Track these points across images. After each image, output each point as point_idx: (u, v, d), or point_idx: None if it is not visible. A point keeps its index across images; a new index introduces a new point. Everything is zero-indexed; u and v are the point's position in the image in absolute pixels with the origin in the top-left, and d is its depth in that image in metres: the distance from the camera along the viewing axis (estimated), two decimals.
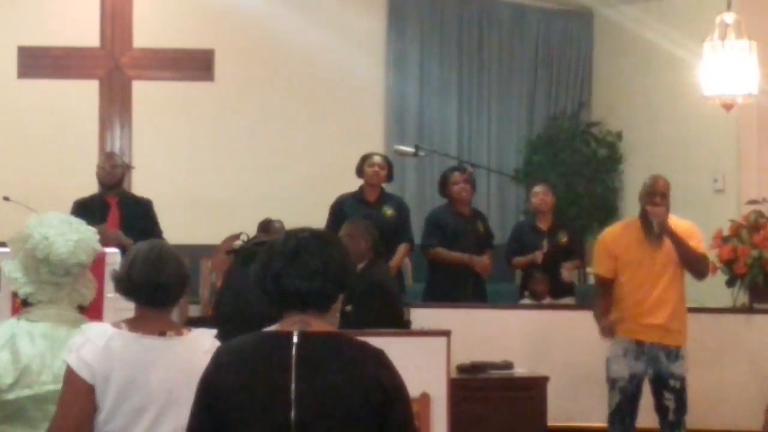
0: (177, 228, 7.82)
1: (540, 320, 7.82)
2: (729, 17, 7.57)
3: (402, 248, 7.99)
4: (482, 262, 8.01)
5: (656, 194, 6.38)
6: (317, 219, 6.88)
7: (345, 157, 10.19)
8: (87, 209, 7.36)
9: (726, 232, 8.06)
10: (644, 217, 6.40)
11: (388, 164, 8.13)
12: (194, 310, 7.92)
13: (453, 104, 10.91)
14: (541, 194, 8.45)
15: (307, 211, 9.12)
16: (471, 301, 7.86)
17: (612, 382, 6.35)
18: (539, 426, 6.91)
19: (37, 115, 9.73)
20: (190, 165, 10.11)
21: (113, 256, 4.37)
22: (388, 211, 8.02)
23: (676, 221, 6.44)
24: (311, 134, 10.38)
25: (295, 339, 2.75)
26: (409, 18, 10.81)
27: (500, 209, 10.88)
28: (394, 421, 2.75)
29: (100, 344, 3.27)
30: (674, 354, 6.32)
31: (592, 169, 10.84)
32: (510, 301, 8.57)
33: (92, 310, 3.73)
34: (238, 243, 6.32)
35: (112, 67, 9.19)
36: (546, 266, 8.20)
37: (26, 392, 3.39)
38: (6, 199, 7.73)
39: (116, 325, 3.34)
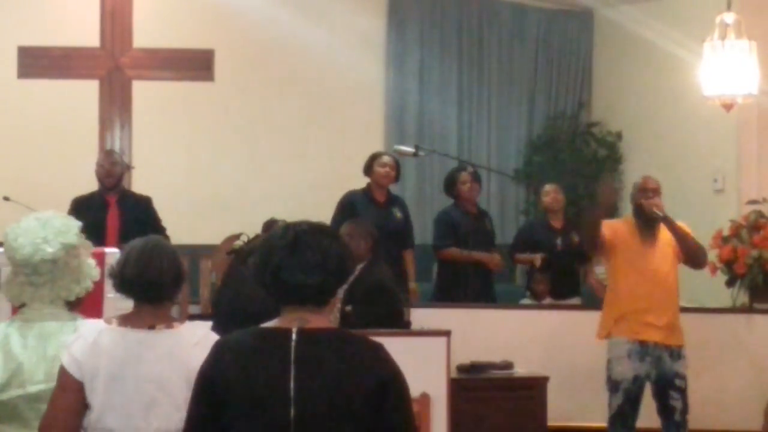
0: (177, 228, 7.81)
1: (540, 320, 7.82)
2: (729, 17, 7.57)
3: (410, 255, 8.05)
4: (494, 258, 8.06)
5: (648, 190, 6.40)
6: (317, 218, 6.84)
7: (345, 157, 10.21)
8: (85, 207, 7.37)
9: (726, 232, 8.06)
10: (638, 214, 6.41)
11: (397, 164, 8.13)
12: (194, 310, 7.92)
13: (453, 104, 10.90)
14: (552, 193, 8.45)
15: (307, 210, 9.06)
16: (479, 300, 7.86)
17: (615, 385, 6.31)
18: (539, 426, 6.90)
19: (37, 115, 9.73)
20: (190, 165, 10.11)
21: (113, 255, 4.37)
22: (398, 213, 8.05)
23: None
24: (311, 134, 10.38)
25: (293, 335, 2.75)
26: (409, 18, 10.81)
27: (500, 209, 10.87)
28: (393, 416, 2.75)
29: (89, 340, 3.28)
30: (677, 353, 6.32)
31: (592, 170, 10.83)
32: (510, 301, 8.57)
33: (92, 310, 3.73)
34: (238, 243, 6.33)
35: (112, 67, 9.18)
36: (560, 265, 8.18)
37: (19, 392, 3.39)
38: (6, 199, 7.73)
39: (108, 321, 3.35)
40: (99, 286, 3.68)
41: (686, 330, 6.47)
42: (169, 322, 3.33)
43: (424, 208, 10.35)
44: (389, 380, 2.75)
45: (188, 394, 3.16)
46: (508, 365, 7.09)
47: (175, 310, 6.54)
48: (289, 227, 2.83)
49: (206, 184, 10.04)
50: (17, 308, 3.59)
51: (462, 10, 10.99)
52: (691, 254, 6.41)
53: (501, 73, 11.10)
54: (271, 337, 2.77)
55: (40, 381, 3.39)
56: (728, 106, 7.66)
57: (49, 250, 3.43)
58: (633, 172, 10.40)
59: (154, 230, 7.22)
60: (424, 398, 5.62)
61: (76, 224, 3.54)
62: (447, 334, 5.87)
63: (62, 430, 3.24)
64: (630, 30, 10.42)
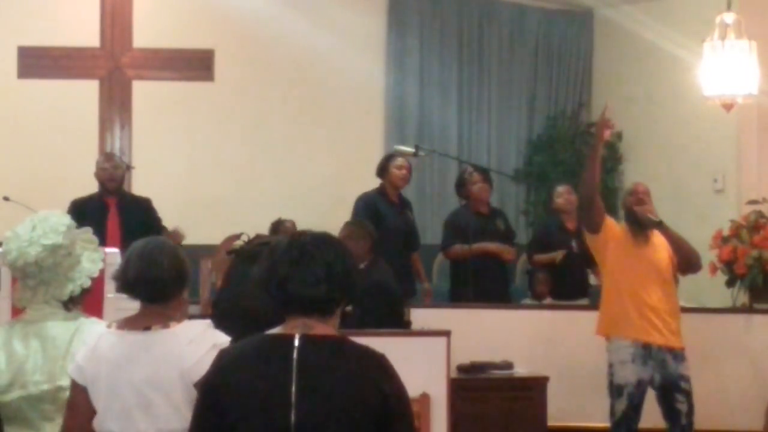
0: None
1: (540, 320, 7.81)
2: (729, 17, 7.57)
3: (417, 256, 8.12)
4: (504, 247, 8.06)
5: (639, 193, 6.39)
6: (317, 218, 6.86)
7: (345, 157, 10.23)
8: (85, 209, 7.35)
9: (726, 232, 8.05)
10: (631, 219, 6.39)
11: (410, 166, 8.15)
12: (194, 310, 7.92)
13: (453, 104, 10.90)
14: (565, 194, 8.41)
15: (307, 210, 9.15)
16: (494, 299, 7.87)
17: (618, 389, 6.23)
18: (539, 426, 6.90)
19: (37, 115, 9.73)
20: (190, 165, 10.11)
21: (113, 256, 4.37)
22: (411, 215, 8.10)
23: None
24: (311, 134, 10.38)
25: (296, 342, 2.75)
26: (409, 18, 10.80)
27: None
28: (395, 423, 2.75)
29: (90, 345, 3.29)
30: (680, 356, 6.29)
31: None
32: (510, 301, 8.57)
33: (92, 310, 3.74)
34: (238, 243, 6.32)
35: (112, 67, 9.19)
36: (575, 266, 8.17)
37: (21, 393, 3.40)
38: (6, 199, 7.73)
39: (109, 324, 3.36)
40: (99, 286, 3.68)
41: (686, 330, 6.45)
42: (165, 322, 3.31)
43: (424, 209, 10.35)
44: (390, 391, 2.75)
45: (184, 393, 3.17)
46: (508, 365, 7.09)
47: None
48: (293, 239, 2.82)
49: (206, 184, 10.04)
50: (20, 311, 3.61)
51: (462, 10, 11.00)
52: (686, 259, 6.39)
53: (501, 73, 11.11)
54: (273, 343, 2.77)
55: (42, 381, 3.40)
56: (728, 106, 7.66)
57: (32, 253, 3.43)
58: (633, 172, 10.42)
59: (156, 232, 7.23)
60: (424, 398, 5.61)
61: (67, 223, 3.53)
62: (447, 334, 5.86)
63: None
64: (630, 30, 10.42)
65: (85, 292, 3.56)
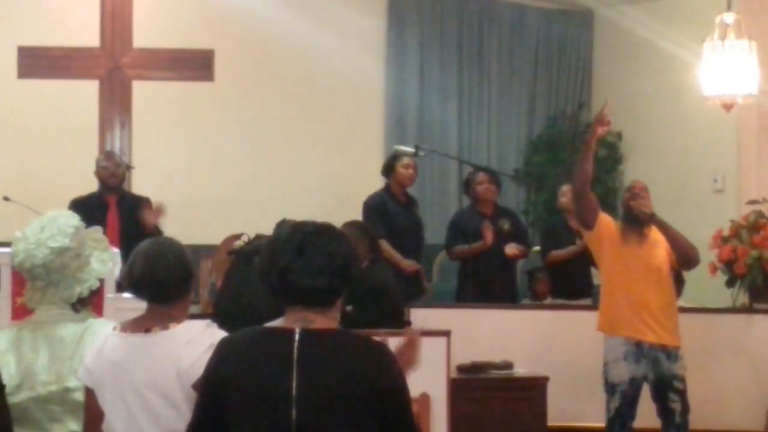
0: (177, 228, 7.80)
1: (540, 320, 7.81)
2: (729, 17, 7.57)
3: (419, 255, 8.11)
4: (510, 245, 8.04)
5: (636, 189, 6.39)
6: (317, 218, 6.82)
7: (345, 157, 10.23)
8: (84, 208, 7.35)
9: (726, 232, 8.05)
10: (627, 217, 6.39)
11: (416, 165, 8.15)
12: (194, 310, 7.91)
13: (453, 104, 10.90)
14: (569, 193, 8.40)
15: (307, 210, 9.11)
16: (502, 298, 7.88)
17: (612, 387, 6.28)
18: (539, 426, 6.90)
19: (37, 115, 9.73)
20: (190, 165, 10.11)
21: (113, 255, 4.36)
22: (418, 214, 8.11)
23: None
24: (311, 134, 10.38)
25: (297, 336, 2.74)
26: (409, 18, 10.80)
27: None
28: (395, 418, 2.75)
29: (97, 347, 3.30)
30: (674, 355, 6.30)
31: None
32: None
33: (92, 311, 3.73)
34: (238, 243, 6.31)
35: (112, 67, 9.19)
36: (577, 265, 8.17)
37: (29, 394, 3.40)
38: (6, 199, 7.73)
39: (115, 326, 3.36)
40: (100, 286, 3.68)
41: (686, 330, 6.46)
42: (166, 323, 3.29)
43: (424, 209, 10.31)
44: (391, 383, 2.75)
45: (183, 393, 3.16)
46: (508, 365, 7.08)
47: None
48: (295, 229, 2.81)
49: (206, 184, 10.04)
50: (17, 309, 3.61)
51: (462, 10, 10.99)
52: (683, 253, 6.37)
53: (501, 73, 11.11)
54: (274, 337, 2.77)
55: (50, 382, 3.40)
56: (728, 106, 7.66)
57: (39, 255, 3.42)
58: (633, 172, 10.41)
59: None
60: (424, 398, 5.61)
61: (75, 224, 3.51)
62: (447, 334, 5.86)
63: None
64: (630, 30, 10.42)
65: (93, 293, 3.56)
